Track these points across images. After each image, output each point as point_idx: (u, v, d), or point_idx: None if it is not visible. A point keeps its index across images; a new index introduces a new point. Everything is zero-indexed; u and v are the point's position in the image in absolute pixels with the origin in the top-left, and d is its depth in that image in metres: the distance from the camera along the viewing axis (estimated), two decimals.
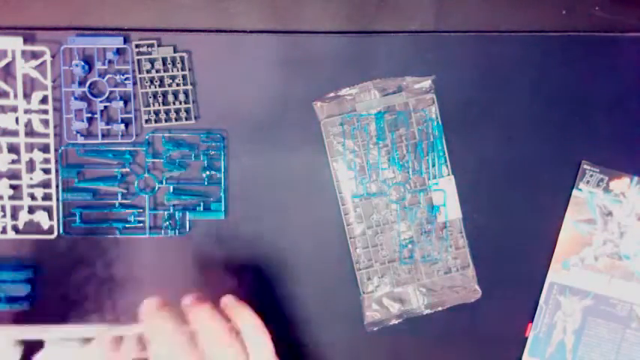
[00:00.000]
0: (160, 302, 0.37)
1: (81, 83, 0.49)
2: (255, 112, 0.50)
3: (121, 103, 0.49)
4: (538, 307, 0.52)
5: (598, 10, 0.51)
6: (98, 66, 0.48)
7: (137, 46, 0.48)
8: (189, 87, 0.49)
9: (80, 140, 0.49)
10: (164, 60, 0.49)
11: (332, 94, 0.49)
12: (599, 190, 0.51)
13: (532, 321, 0.52)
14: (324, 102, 0.49)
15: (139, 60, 0.49)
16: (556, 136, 0.51)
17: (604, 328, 0.52)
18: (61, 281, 0.50)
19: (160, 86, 0.49)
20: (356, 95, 0.50)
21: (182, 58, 0.49)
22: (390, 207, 0.50)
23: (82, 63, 0.48)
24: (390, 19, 0.50)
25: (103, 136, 0.49)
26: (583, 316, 0.52)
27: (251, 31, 0.50)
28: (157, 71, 0.49)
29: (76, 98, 0.48)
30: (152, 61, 0.49)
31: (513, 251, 0.52)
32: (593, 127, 0.51)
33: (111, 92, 0.49)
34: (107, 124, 0.49)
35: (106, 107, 0.49)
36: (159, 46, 0.49)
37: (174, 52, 0.49)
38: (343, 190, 0.50)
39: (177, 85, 0.49)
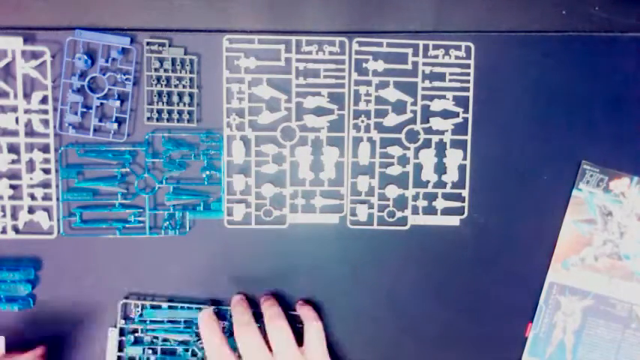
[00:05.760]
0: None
1: (81, 76, 0.48)
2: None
3: (118, 102, 0.49)
4: (538, 307, 0.52)
5: (598, 10, 0.51)
6: (101, 62, 0.48)
7: (148, 43, 0.48)
8: (195, 90, 0.49)
9: (71, 133, 0.49)
10: (173, 60, 0.49)
11: None
12: (599, 190, 0.51)
13: (532, 321, 0.52)
14: None
15: (148, 57, 0.49)
16: (556, 136, 0.51)
17: (604, 328, 0.52)
18: (61, 281, 0.50)
19: (166, 86, 0.49)
20: None
21: (192, 61, 0.49)
22: None
23: (85, 57, 0.48)
24: (390, 19, 0.50)
25: (95, 131, 0.49)
26: (583, 316, 0.52)
27: (251, 31, 0.50)
28: (165, 71, 0.49)
29: (73, 91, 0.48)
30: (161, 60, 0.49)
31: (513, 251, 0.52)
32: (593, 127, 0.51)
33: (109, 90, 0.49)
34: (100, 120, 0.49)
35: (102, 104, 0.49)
36: (170, 46, 0.49)
37: (185, 53, 0.49)
38: None
39: (184, 86, 0.49)
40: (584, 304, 0.52)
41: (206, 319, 0.47)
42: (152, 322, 0.50)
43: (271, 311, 0.48)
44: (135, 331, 0.50)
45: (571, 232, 0.51)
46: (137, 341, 0.50)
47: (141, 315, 0.50)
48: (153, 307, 0.50)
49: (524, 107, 0.51)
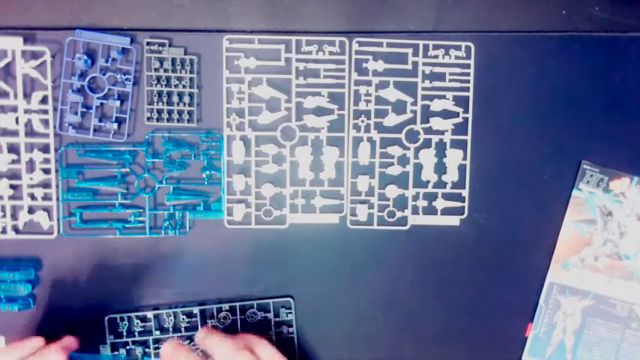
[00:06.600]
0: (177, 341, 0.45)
1: (81, 76, 0.48)
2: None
3: (117, 102, 0.49)
4: (538, 307, 0.52)
5: (598, 10, 0.51)
6: (101, 62, 0.48)
7: (148, 43, 0.48)
8: (195, 90, 0.49)
9: (71, 133, 0.49)
10: (173, 60, 0.49)
11: None
12: (599, 190, 0.51)
13: (532, 321, 0.52)
14: None
15: (148, 57, 0.49)
16: (556, 136, 0.51)
17: (604, 328, 0.52)
18: (61, 281, 0.50)
19: (166, 86, 0.49)
20: None
21: (192, 61, 0.49)
22: None
23: (85, 57, 0.48)
24: (390, 19, 0.50)
25: (95, 131, 0.49)
26: (583, 316, 0.52)
27: (251, 31, 0.50)
28: (165, 70, 0.49)
29: (73, 91, 0.48)
30: (161, 60, 0.49)
31: (513, 251, 0.52)
32: (593, 127, 0.51)
33: (109, 90, 0.49)
34: (100, 120, 0.49)
35: (102, 104, 0.49)
36: (170, 46, 0.49)
37: (185, 53, 0.49)
38: None
39: (184, 86, 0.49)
40: (584, 304, 0.52)
41: (169, 351, 0.44)
42: (140, 333, 0.50)
43: (226, 345, 0.43)
44: (125, 344, 0.50)
45: (571, 232, 0.51)
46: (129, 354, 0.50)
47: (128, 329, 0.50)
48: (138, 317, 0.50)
49: (524, 107, 0.51)
